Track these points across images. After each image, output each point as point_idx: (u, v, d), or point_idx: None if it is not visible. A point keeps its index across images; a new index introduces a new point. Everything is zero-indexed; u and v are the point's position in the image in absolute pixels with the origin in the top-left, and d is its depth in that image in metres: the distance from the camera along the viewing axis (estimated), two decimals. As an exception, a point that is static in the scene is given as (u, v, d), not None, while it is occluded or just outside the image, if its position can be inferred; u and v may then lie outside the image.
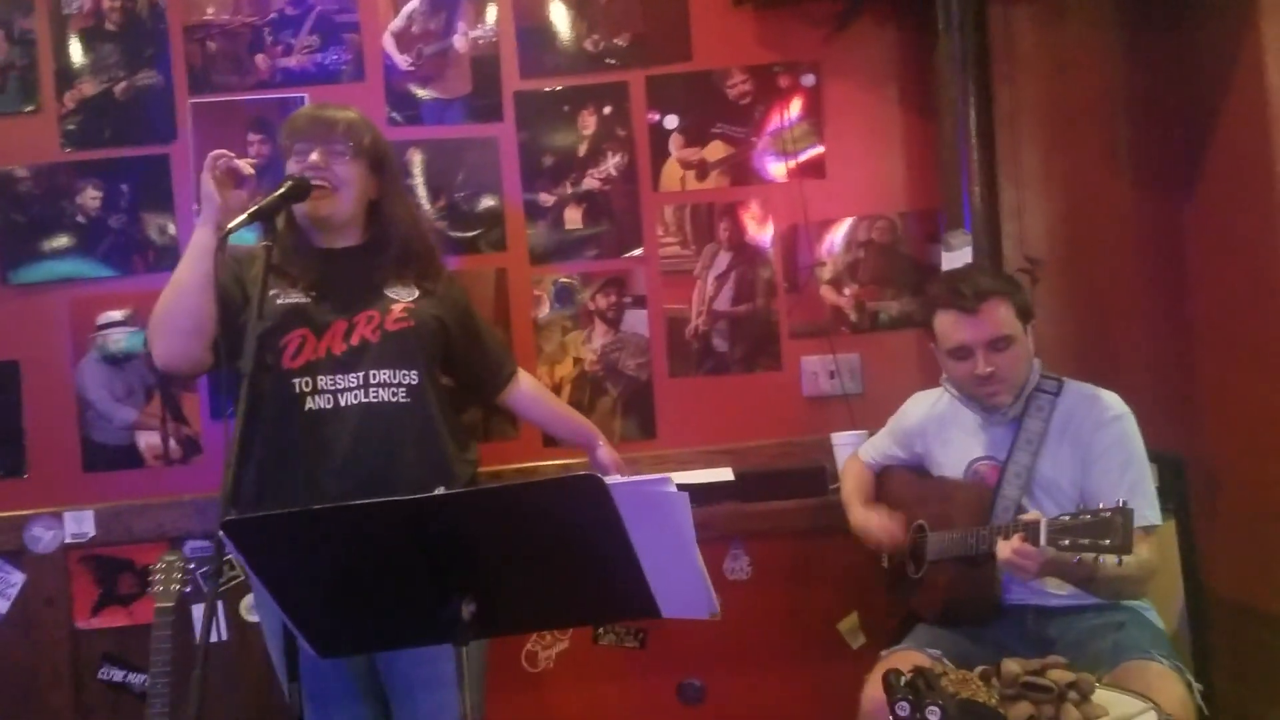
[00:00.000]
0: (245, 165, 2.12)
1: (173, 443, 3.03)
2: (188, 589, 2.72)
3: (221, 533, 1.60)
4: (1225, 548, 2.84)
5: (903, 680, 1.85)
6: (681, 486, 1.50)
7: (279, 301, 2.20)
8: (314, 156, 2.19)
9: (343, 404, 2.17)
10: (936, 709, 1.76)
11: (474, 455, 2.36)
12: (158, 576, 2.64)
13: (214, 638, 2.94)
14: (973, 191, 2.90)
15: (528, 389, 2.63)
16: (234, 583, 2.99)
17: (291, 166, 2.22)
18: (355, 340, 2.20)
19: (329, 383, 2.18)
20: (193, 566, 2.87)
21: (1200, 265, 3.03)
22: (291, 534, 1.62)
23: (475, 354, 2.48)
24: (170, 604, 2.62)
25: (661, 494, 1.48)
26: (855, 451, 2.81)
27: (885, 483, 2.71)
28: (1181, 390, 3.04)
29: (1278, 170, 2.66)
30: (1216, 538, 2.86)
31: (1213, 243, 2.97)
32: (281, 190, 2.10)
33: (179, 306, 2.11)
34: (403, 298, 2.27)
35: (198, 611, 2.96)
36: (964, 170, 2.90)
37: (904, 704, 1.79)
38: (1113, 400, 2.37)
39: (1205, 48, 2.92)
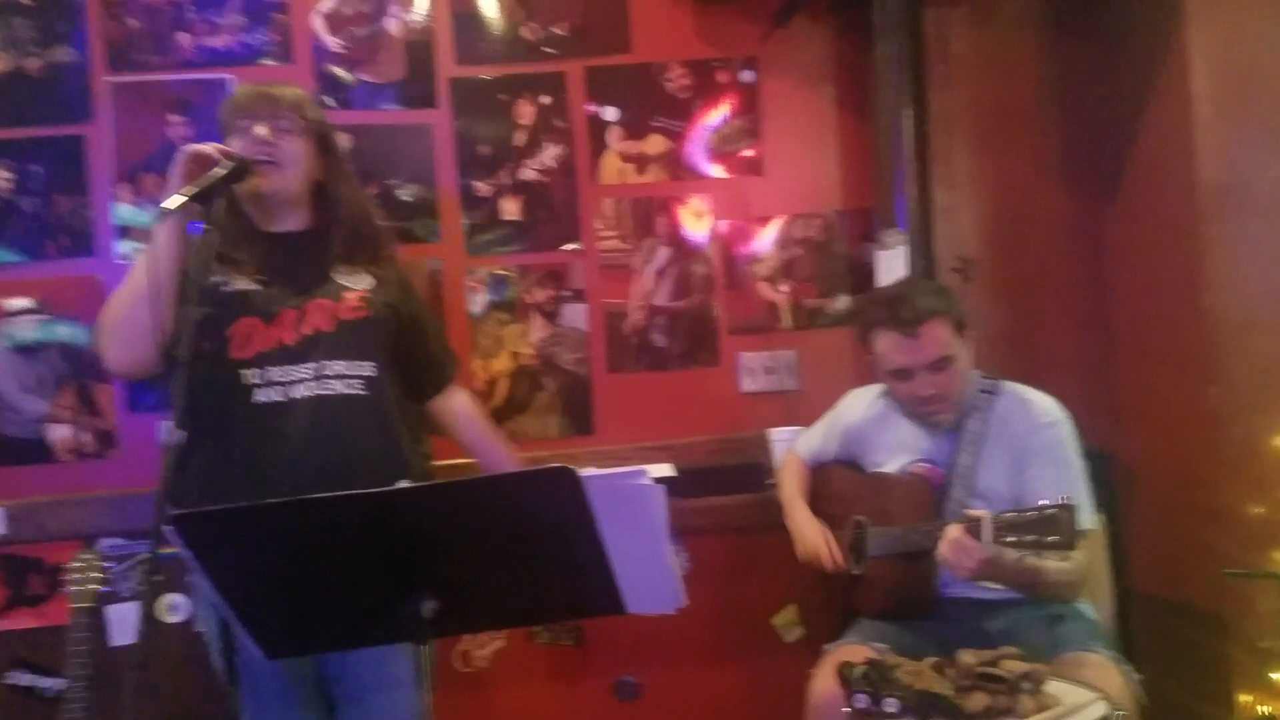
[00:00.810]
0: (214, 150, 2.02)
1: (86, 436, 2.89)
2: (105, 589, 2.61)
3: (170, 527, 1.52)
4: (1145, 542, 2.93)
5: (858, 672, 1.86)
6: None
7: (224, 289, 2.10)
8: (261, 130, 2.11)
9: (295, 396, 2.08)
10: (894, 700, 1.78)
11: (428, 449, 2.30)
12: (73, 576, 2.52)
13: (131, 640, 2.84)
14: (908, 192, 2.93)
15: (465, 404, 2.52)
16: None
17: (235, 144, 2.12)
18: (308, 329, 2.11)
19: (280, 374, 2.08)
20: (110, 565, 2.74)
21: (1121, 266, 3.12)
22: (246, 529, 1.55)
23: (419, 348, 2.37)
24: (87, 604, 2.51)
25: (637, 487, 1.46)
26: (792, 447, 2.82)
27: (822, 478, 2.72)
28: (1104, 388, 3.12)
29: (1200, 175, 2.74)
30: (1136, 532, 2.95)
31: (1133, 244, 3.05)
32: (220, 171, 2.00)
33: (136, 311, 1.99)
34: (357, 285, 2.19)
35: (113, 613, 2.84)
36: (899, 170, 2.94)
37: (862, 696, 1.81)
38: (1049, 405, 2.41)
39: (1131, 54, 3.00)
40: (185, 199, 1.94)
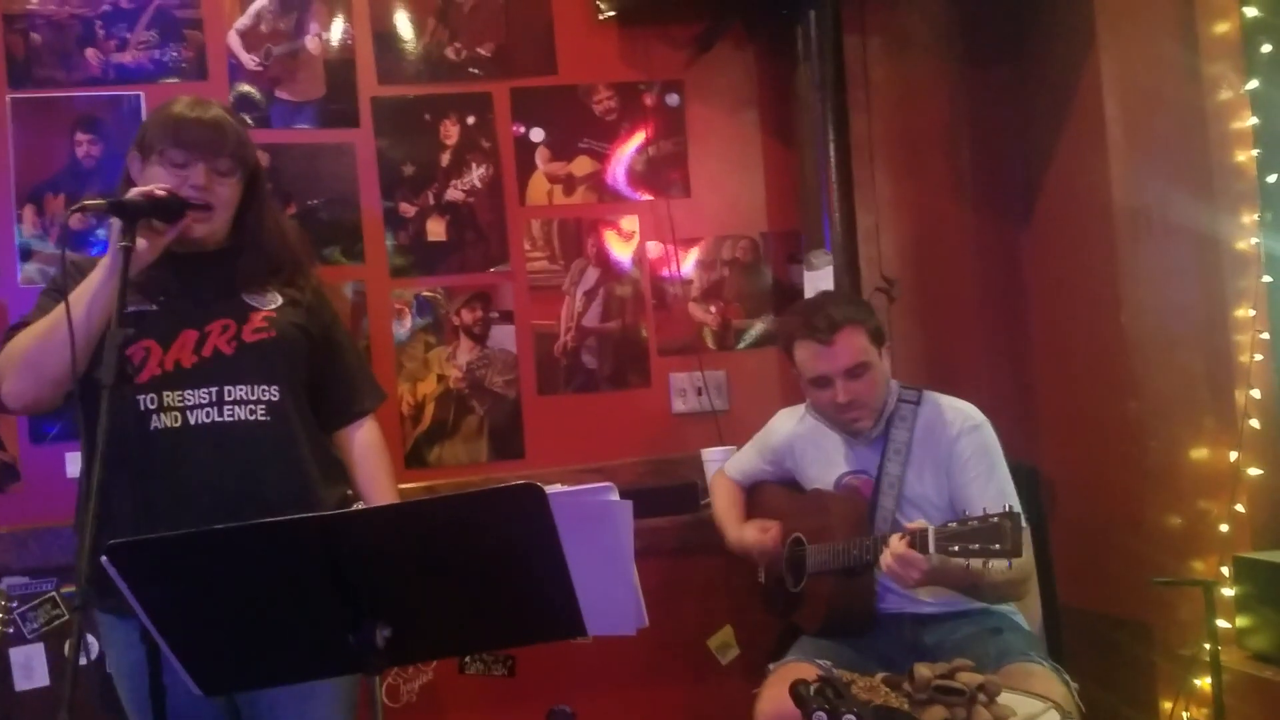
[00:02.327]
0: (156, 189, 1.89)
1: (-14, 469, 2.74)
2: (9, 629, 2.46)
3: (105, 558, 1.43)
4: (1068, 554, 2.99)
5: (813, 690, 1.84)
6: None
7: (122, 310, 1.98)
8: (199, 179, 1.97)
9: (192, 422, 1.96)
10: (853, 717, 1.76)
11: (343, 485, 2.16)
12: (-25, 617, 2.38)
13: (36, 684, 2.69)
14: (832, 215, 2.97)
15: (366, 441, 2.25)
16: (57, 623, 2.72)
17: (162, 175, 1.97)
18: (207, 352, 1.99)
19: (176, 399, 1.96)
20: (14, 605, 2.59)
21: (1038, 285, 3.21)
22: (187, 558, 1.47)
23: (329, 373, 2.21)
24: (-9, 647, 2.37)
25: (603, 503, 1.42)
26: (721, 469, 2.81)
27: (757, 497, 2.72)
28: (1024, 403, 3.20)
29: (1114, 197, 2.84)
30: (1059, 544, 3.01)
31: (1050, 264, 3.15)
32: (158, 195, 1.89)
33: (57, 355, 1.84)
34: (263, 305, 2.07)
35: (16, 655, 2.68)
36: (824, 194, 2.98)
37: (821, 713, 1.78)
38: (970, 410, 2.45)
39: (1044, 81, 3.10)
40: (100, 204, 1.84)
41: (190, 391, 1.97)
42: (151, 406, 1.96)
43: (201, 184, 1.98)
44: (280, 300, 2.10)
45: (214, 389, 1.98)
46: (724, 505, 2.71)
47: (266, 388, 2.02)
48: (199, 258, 2.06)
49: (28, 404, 1.98)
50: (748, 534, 2.58)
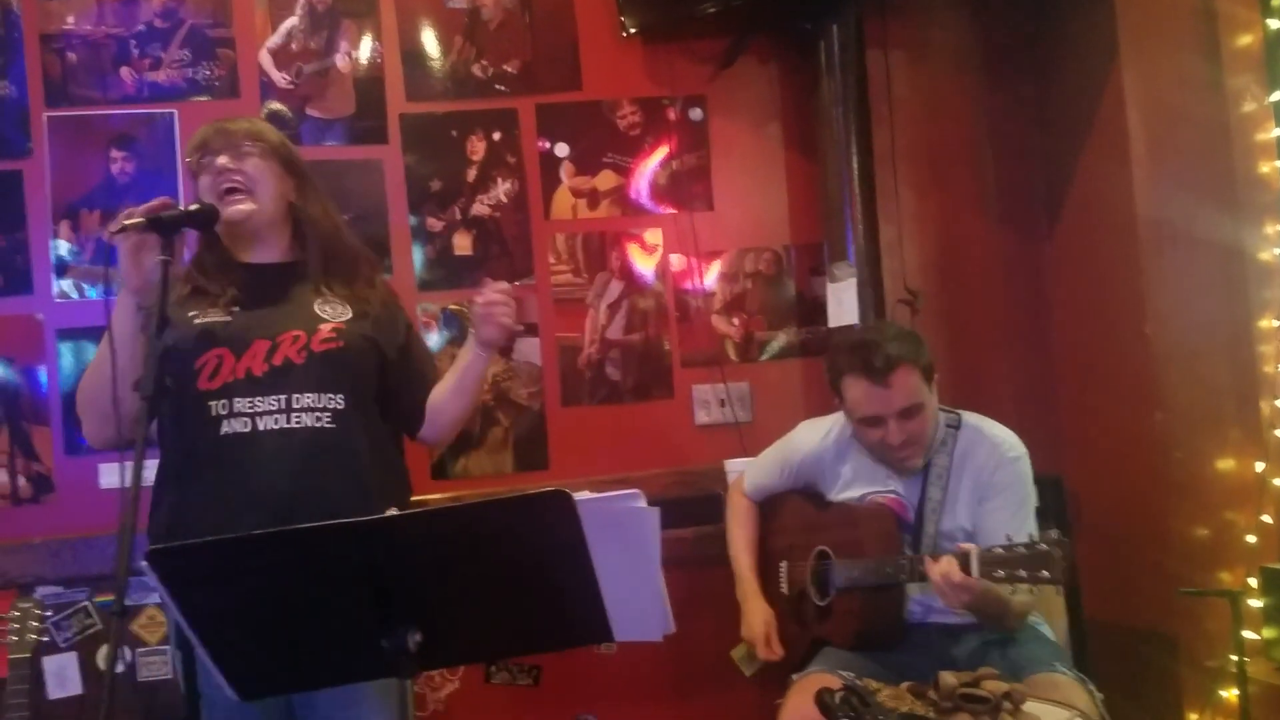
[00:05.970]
0: (157, 203, 1.93)
1: (22, 480, 2.79)
2: (43, 639, 2.50)
3: (145, 563, 1.46)
4: (1092, 566, 2.99)
5: (839, 699, 1.86)
6: None
7: (196, 321, 2.06)
8: (222, 160, 2.07)
9: (260, 428, 2.03)
10: (878, 725, 1.78)
11: (404, 494, 2.22)
12: (12, 626, 2.41)
13: (69, 692, 2.73)
14: (855, 227, 2.99)
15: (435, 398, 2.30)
16: (90, 632, 2.76)
17: (204, 183, 2.08)
18: (278, 360, 2.06)
19: (246, 405, 2.03)
20: (49, 614, 2.64)
21: (1062, 297, 3.21)
22: (225, 563, 1.50)
23: (405, 379, 2.25)
24: (26, 655, 2.41)
25: (630, 510, 1.44)
26: (736, 483, 2.78)
27: (774, 509, 2.70)
28: (1047, 414, 3.19)
29: (1137, 210, 2.85)
30: (1083, 556, 2.99)
31: (1074, 276, 3.15)
32: (189, 207, 1.97)
33: (106, 391, 1.91)
34: (334, 317, 2.13)
35: (49, 664, 2.73)
36: (846, 206, 3.00)
37: (846, 721, 1.80)
38: (1012, 439, 2.43)
39: (1067, 95, 3.11)
40: (139, 222, 1.90)
41: (260, 399, 2.04)
42: (223, 412, 2.03)
43: (227, 164, 2.08)
44: (350, 313, 2.16)
45: (283, 396, 2.05)
46: (741, 552, 2.67)
47: (333, 396, 2.09)
48: (270, 269, 2.16)
49: (108, 441, 2.06)
50: (763, 612, 2.56)
